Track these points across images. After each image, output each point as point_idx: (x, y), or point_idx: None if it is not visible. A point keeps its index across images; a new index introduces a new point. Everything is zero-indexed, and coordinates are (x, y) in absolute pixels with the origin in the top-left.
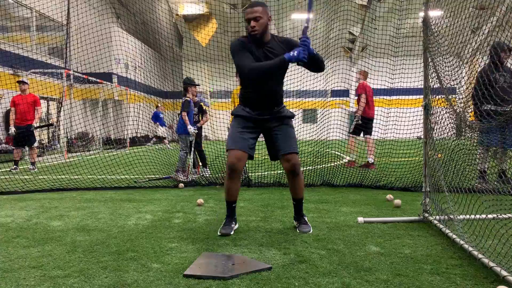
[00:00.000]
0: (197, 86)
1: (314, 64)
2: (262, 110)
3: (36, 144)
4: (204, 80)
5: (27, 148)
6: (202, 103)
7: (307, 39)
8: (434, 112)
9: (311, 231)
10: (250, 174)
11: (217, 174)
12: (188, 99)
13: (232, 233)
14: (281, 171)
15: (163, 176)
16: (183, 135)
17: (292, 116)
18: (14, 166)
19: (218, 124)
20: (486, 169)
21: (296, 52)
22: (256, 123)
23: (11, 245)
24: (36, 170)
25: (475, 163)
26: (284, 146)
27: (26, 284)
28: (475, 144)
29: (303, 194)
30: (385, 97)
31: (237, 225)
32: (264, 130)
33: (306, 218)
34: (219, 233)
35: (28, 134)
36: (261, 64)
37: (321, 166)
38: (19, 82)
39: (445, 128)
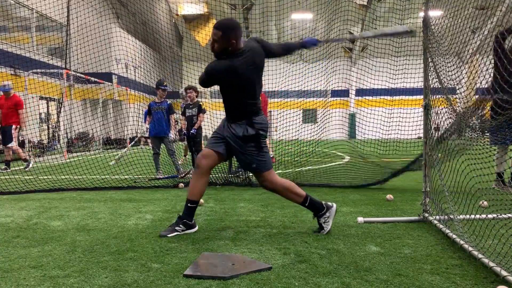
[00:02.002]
0: (166, 89)
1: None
2: (227, 120)
3: (12, 144)
4: None
5: (26, 148)
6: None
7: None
8: (437, 112)
9: (326, 232)
10: (250, 174)
11: (217, 174)
12: (149, 104)
13: (170, 235)
14: (281, 171)
15: (167, 176)
16: (151, 138)
17: (251, 136)
18: (5, 167)
19: (218, 124)
20: (504, 171)
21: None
22: (224, 131)
23: (11, 245)
24: (8, 170)
25: (488, 165)
26: (242, 165)
27: (26, 284)
28: (488, 146)
29: (300, 200)
30: (385, 97)
31: (194, 229)
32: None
33: (322, 222)
34: (159, 234)
35: (5, 133)
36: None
37: (320, 166)
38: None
39: (445, 128)
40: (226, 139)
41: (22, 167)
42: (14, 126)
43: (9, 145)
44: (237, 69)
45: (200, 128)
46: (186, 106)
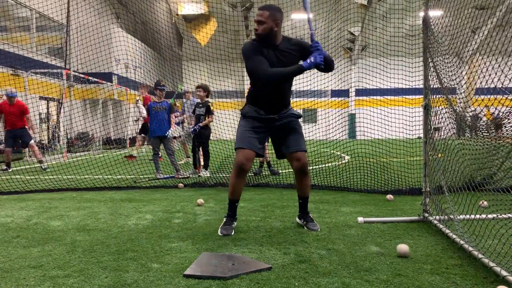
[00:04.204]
0: (164, 89)
1: (327, 66)
2: (271, 110)
3: (33, 141)
4: (204, 80)
5: (26, 149)
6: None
7: (318, 44)
8: (436, 112)
9: (319, 229)
10: (250, 174)
11: (220, 175)
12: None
13: (232, 233)
14: (282, 171)
15: (167, 176)
16: (152, 138)
17: (299, 116)
18: (5, 167)
19: (218, 123)
20: None
21: (312, 58)
22: (265, 122)
23: (11, 245)
24: (9, 170)
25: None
26: (293, 144)
27: (26, 284)
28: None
29: (309, 193)
30: (384, 97)
31: (235, 223)
32: (272, 129)
33: (311, 216)
34: (220, 233)
35: (22, 134)
36: (278, 71)
37: (320, 166)
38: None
39: (446, 128)
40: (277, 127)
41: (38, 166)
42: (27, 126)
43: (31, 142)
44: None
45: (208, 129)
46: (196, 105)
